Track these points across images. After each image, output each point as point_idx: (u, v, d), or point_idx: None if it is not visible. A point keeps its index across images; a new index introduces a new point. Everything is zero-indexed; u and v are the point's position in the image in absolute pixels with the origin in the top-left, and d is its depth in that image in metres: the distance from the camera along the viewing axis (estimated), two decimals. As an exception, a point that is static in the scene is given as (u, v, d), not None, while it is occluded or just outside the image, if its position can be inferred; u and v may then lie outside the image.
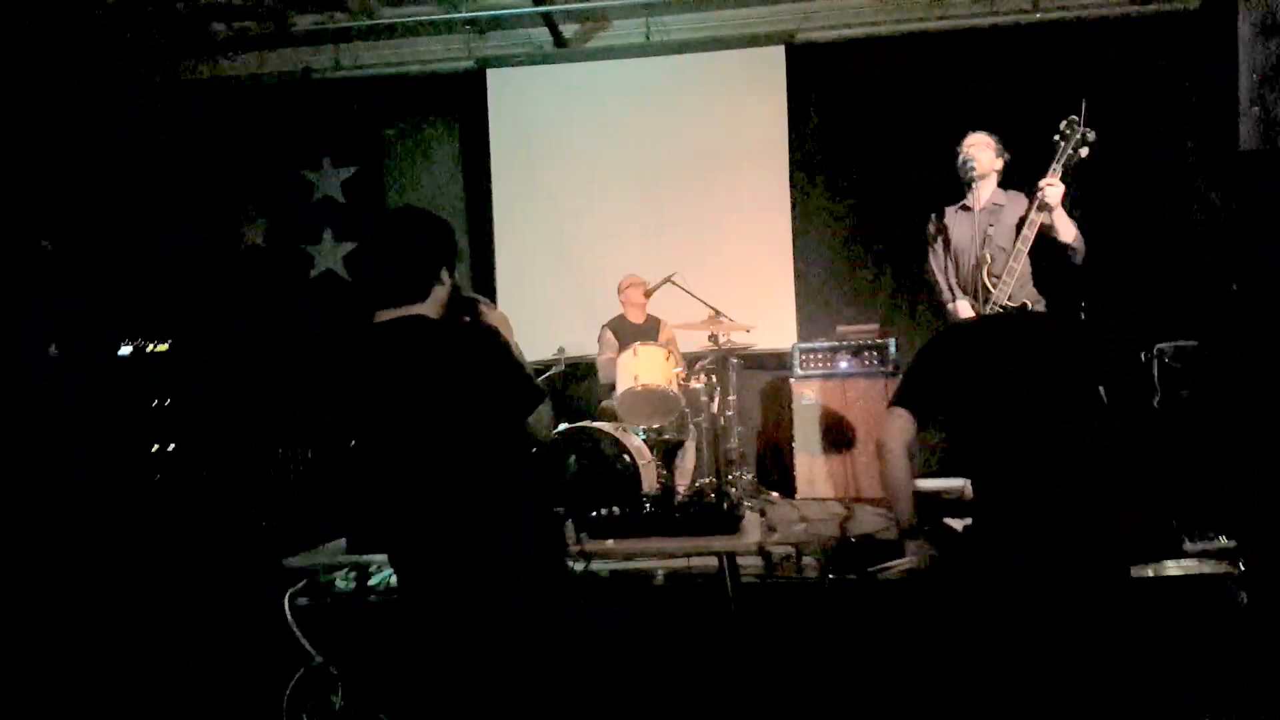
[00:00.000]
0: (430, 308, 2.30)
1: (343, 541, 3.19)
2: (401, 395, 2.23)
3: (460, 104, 6.72)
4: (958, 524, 3.47)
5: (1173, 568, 2.99)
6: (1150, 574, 2.96)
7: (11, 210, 6.11)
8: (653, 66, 6.47)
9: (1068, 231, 3.68)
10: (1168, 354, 3.57)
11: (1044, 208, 3.66)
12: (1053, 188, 3.64)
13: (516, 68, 6.60)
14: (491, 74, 6.62)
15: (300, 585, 3.38)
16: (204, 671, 3.29)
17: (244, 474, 5.10)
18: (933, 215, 4.23)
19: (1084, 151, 3.65)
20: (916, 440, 2.53)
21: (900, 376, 2.69)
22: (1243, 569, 2.97)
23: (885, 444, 2.53)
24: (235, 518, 4.58)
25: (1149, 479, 3.12)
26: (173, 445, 5.09)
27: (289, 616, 3.19)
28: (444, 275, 2.34)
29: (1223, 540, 3.11)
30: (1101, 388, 2.49)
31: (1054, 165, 3.66)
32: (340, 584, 3.55)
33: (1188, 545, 3.06)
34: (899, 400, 2.57)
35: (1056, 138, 3.67)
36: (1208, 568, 3.02)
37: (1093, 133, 3.59)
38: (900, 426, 2.52)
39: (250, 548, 3.96)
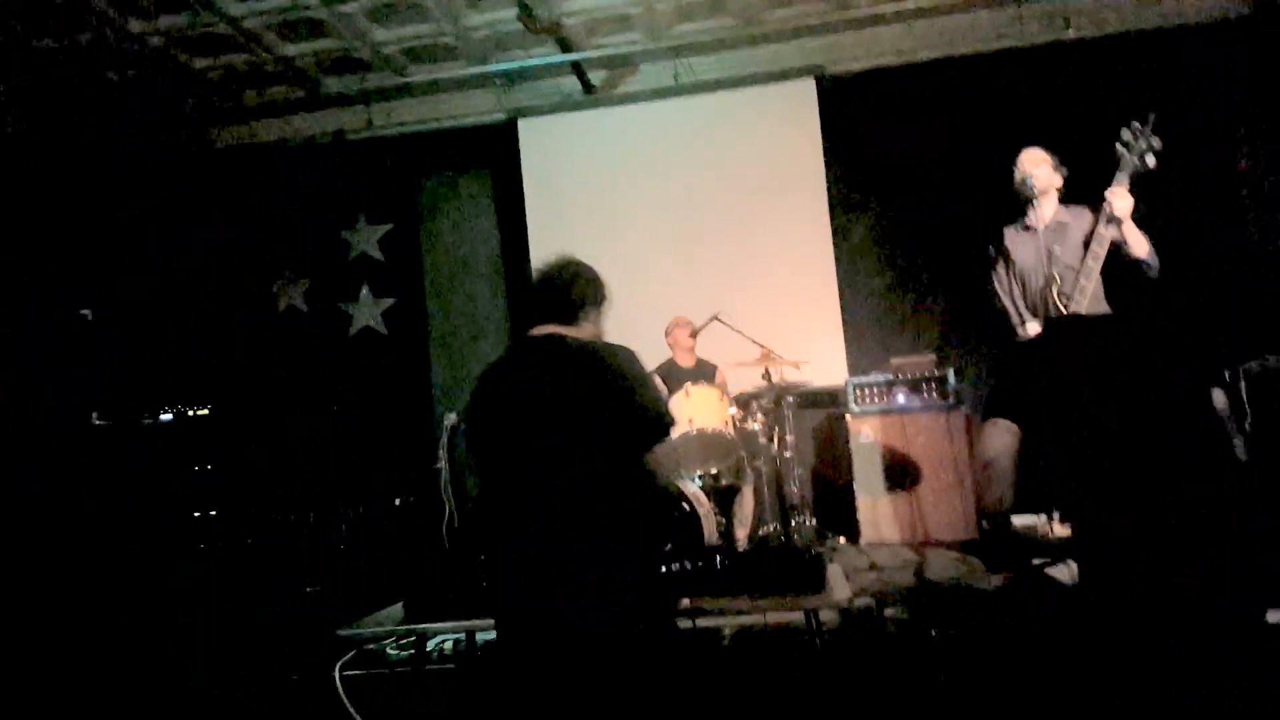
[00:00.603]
0: (577, 333, 2.52)
1: (399, 608, 3.02)
2: (538, 399, 2.32)
3: (493, 156, 6.70)
4: (1051, 568, 3.24)
5: None
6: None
7: (56, 279, 6.14)
8: (683, 106, 6.40)
9: (1140, 246, 3.49)
10: (1254, 372, 3.34)
11: (1112, 221, 3.49)
12: (1119, 199, 3.47)
13: (547, 116, 6.56)
14: (523, 124, 6.58)
15: (351, 654, 3.22)
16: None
17: (289, 539, 4.96)
18: (995, 239, 4.05)
19: (1150, 160, 3.48)
20: (1018, 455, 2.34)
21: (990, 387, 2.51)
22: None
23: (992, 459, 2.34)
24: (283, 586, 4.44)
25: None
26: (214, 511, 4.97)
27: (339, 688, 3.03)
28: (592, 312, 2.62)
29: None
30: (1215, 393, 2.29)
31: (1118, 175, 3.49)
32: (393, 652, 3.38)
33: None
34: (994, 410, 2.38)
35: (1119, 147, 3.50)
36: None
37: (1159, 140, 3.43)
38: (1002, 437, 2.34)
39: (300, 617, 3.80)
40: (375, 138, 6.73)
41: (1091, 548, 2.27)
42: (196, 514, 4.98)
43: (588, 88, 6.47)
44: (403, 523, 5.41)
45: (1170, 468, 2.21)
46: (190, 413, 5.34)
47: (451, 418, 5.65)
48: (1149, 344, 2.39)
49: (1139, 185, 3.52)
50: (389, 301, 6.69)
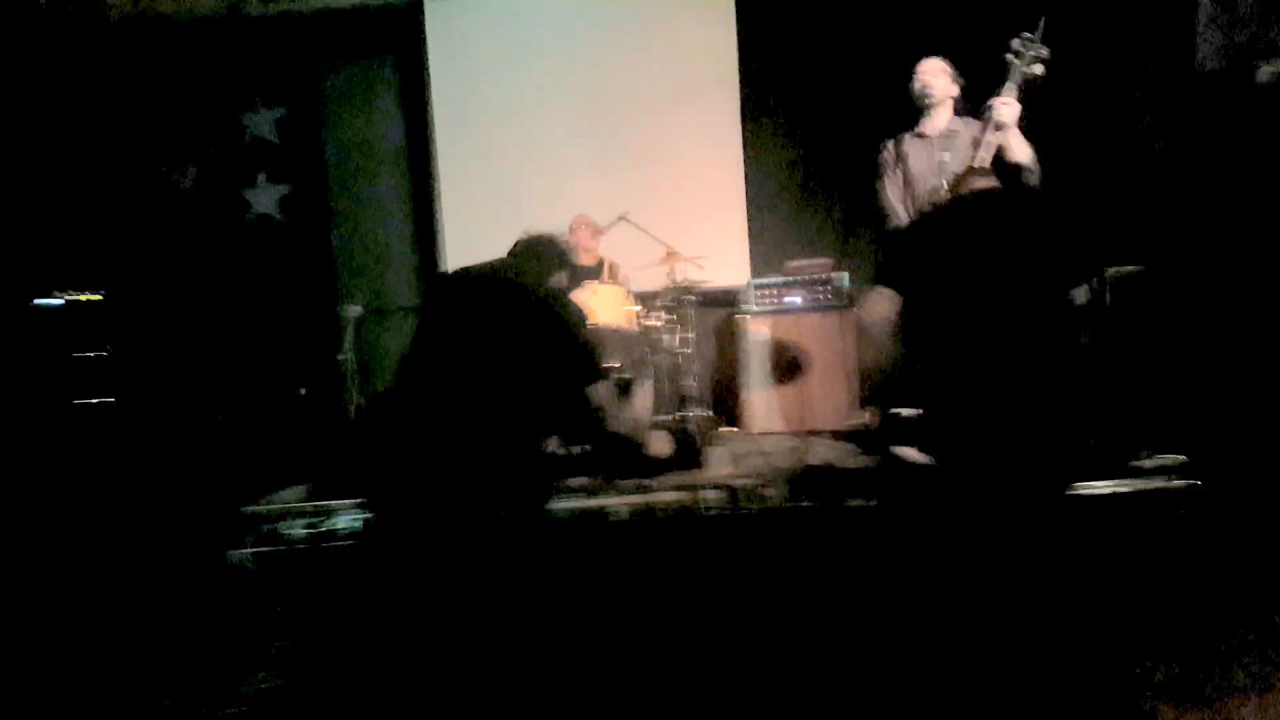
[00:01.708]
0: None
1: (301, 489, 3.11)
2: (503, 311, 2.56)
3: (398, 39, 6.48)
4: (904, 451, 3.52)
5: (1124, 484, 3.07)
6: (1102, 490, 3.04)
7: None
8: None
9: (1023, 151, 3.67)
10: (1117, 276, 3.62)
11: (999, 127, 3.64)
12: (1007, 106, 3.62)
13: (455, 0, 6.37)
14: (429, 7, 6.38)
15: (255, 533, 3.31)
16: (158, 626, 3.20)
17: (191, 429, 4.95)
18: (889, 142, 4.19)
19: (1038, 69, 3.62)
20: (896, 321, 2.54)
21: (880, 259, 2.71)
22: (1194, 484, 3.06)
23: (870, 322, 2.55)
24: (183, 469, 4.45)
25: (1102, 396, 3.18)
26: (111, 398, 4.91)
27: (244, 564, 3.13)
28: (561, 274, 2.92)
29: (1173, 457, 3.21)
30: (1080, 289, 2.51)
31: (1007, 84, 3.64)
32: (295, 531, 3.47)
33: (1139, 462, 3.15)
34: (881, 279, 2.58)
35: (1009, 55, 3.64)
36: (1158, 483, 3.10)
37: (1047, 49, 3.57)
38: (881, 304, 2.54)
39: (202, 497, 3.85)
40: (274, 15, 6.41)
41: (937, 426, 2.51)
42: (93, 401, 4.93)
43: (498, -29, 6.28)
44: (307, 411, 5.44)
45: (1017, 352, 2.43)
46: (83, 298, 5.22)
47: (355, 309, 5.63)
48: (1024, 234, 2.57)
49: (1039, 92, 3.68)
50: (286, 188, 6.52)
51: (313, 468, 3.30)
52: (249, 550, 3.16)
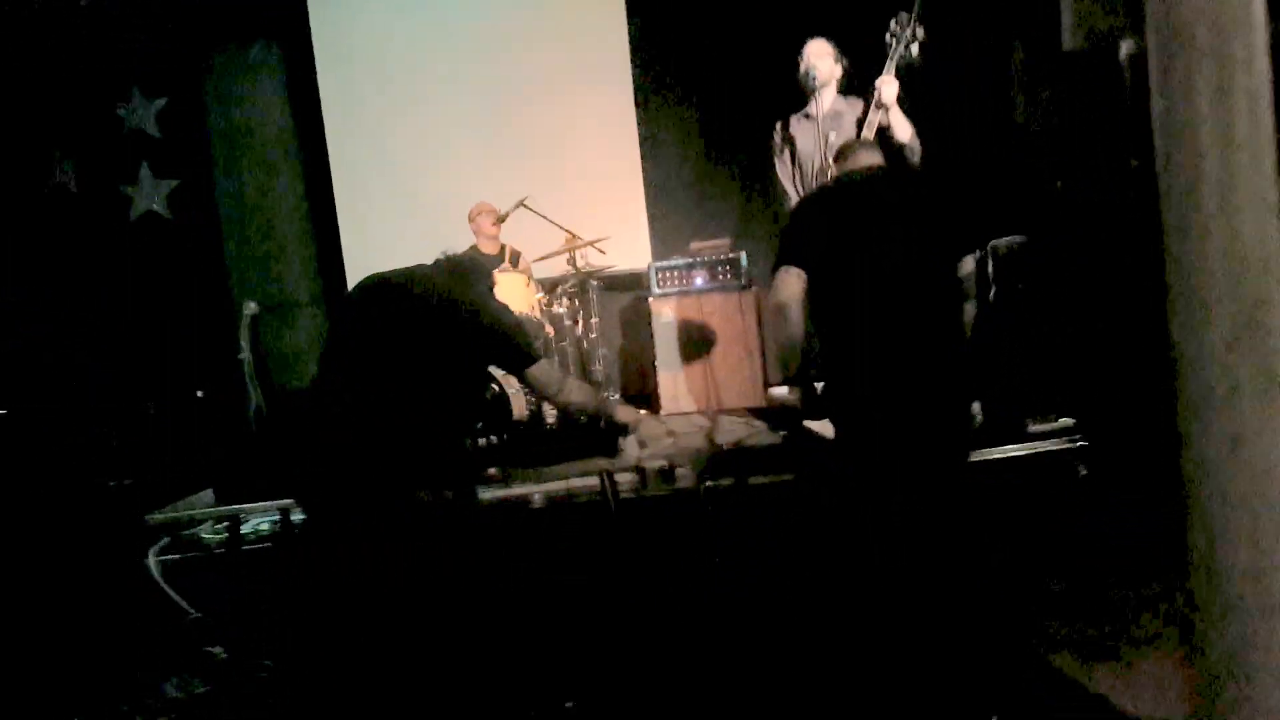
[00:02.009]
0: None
1: (209, 493, 3.04)
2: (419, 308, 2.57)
3: (282, 25, 6.29)
4: (816, 425, 3.66)
5: (1017, 448, 3.27)
6: (997, 456, 3.23)
7: None
8: (488, -21, 6.24)
9: (904, 130, 3.84)
10: (1000, 249, 3.83)
11: (880, 106, 3.80)
12: (888, 85, 3.78)
13: (340, -17, 6.22)
14: (312, -10, 6.21)
15: (163, 542, 3.23)
16: (71, 638, 3.10)
17: (84, 435, 4.75)
18: (777, 124, 4.32)
19: (915, 50, 3.78)
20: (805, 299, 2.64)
21: (780, 239, 2.80)
22: (1081, 445, 3.28)
23: (784, 302, 2.63)
24: (85, 482, 4.28)
25: (992, 366, 3.36)
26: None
27: (155, 573, 3.05)
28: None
29: (1063, 420, 3.43)
30: (965, 260, 2.65)
31: (888, 64, 3.79)
32: (207, 536, 3.40)
33: (1031, 427, 3.36)
34: (785, 260, 2.66)
35: (889, 36, 3.79)
36: (1050, 446, 3.32)
37: (922, 30, 3.73)
38: (792, 283, 2.63)
39: (102, 508, 3.72)
40: (147, -1, 6.14)
41: (842, 400, 2.63)
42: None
43: (383, -47, 6.16)
44: (206, 414, 5.28)
45: (914, 323, 2.56)
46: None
47: (252, 306, 5.47)
48: (909, 207, 2.70)
49: (918, 71, 3.83)
50: (173, 183, 6.26)
51: (217, 471, 3.22)
52: (162, 557, 3.08)
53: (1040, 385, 3.48)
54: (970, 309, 2.70)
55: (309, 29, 6.20)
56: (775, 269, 2.70)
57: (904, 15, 3.79)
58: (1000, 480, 3.16)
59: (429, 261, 2.85)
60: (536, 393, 2.92)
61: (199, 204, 6.30)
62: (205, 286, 6.19)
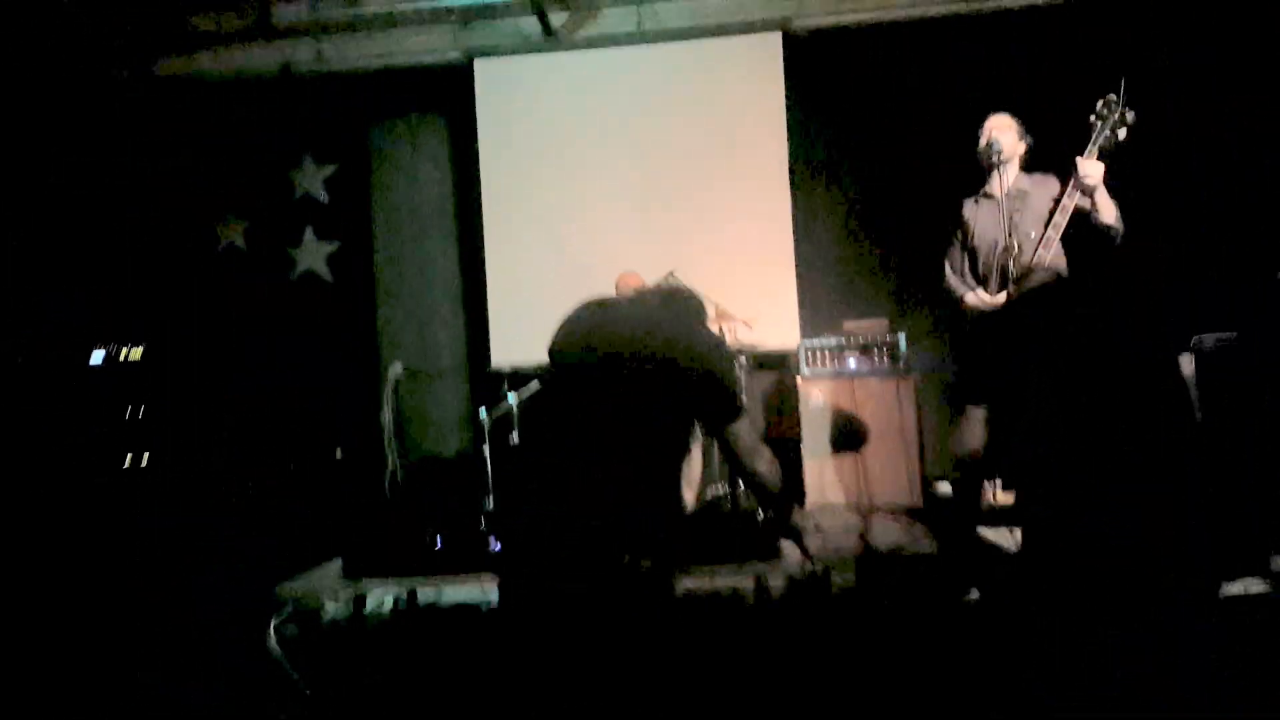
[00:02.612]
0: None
1: (337, 564, 2.92)
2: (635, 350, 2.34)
3: (447, 98, 6.47)
4: (992, 533, 3.26)
5: (1258, 584, 2.76)
6: (1238, 591, 2.73)
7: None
8: (646, 55, 6.24)
9: (1109, 212, 3.50)
10: (1208, 345, 3.37)
11: (1083, 190, 3.49)
12: (1092, 167, 3.47)
13: (504, 58, 6.35)
14: (479, 65, 6.36)
15: (286, 611, 3.13)
16: (188, 705, 3.02)
17: (225, 489, 4.81)
18: (952, 214, 4.06)
19: (1122, 133, 3.48)
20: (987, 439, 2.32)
21: (954, 377, 2.50)
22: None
23: (976, 451, 2.31)
24: (218, 538, 4.30)
25: (1221, 484, 2.89)
26: (146, 456, 4.79)
27: (274, 647, 2.94)
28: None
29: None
30: (1184, 359, 2.29)
31: (1090, 147, 3.49)
32: (330, 610, 3.29)
33: (1276, 562, 2.85)
34: (970, 398, 2.35)
35: (1093, 118, 3.49)
36: None
37: (1132, 113, 3.42)
38: (979, 430, 2.31)
39: (237, 572, 3.68)
40: (324, 73, 6.44)
41: (1038, 512, 2.27)
42: (129, 460, 4.81)
43: (548, 30, 6.26)
44: (343, 475, 5.29)
45: (1133, 433, 2.20)
46: (123, 355, 5.14)
47: (397, 368, 5.51)
48: (1116, 307, 2.37)
49: (1112, 156, 3.51)
50: (333, 245, 6.48)
51: (347, 539, 3.11)
52: (282, 631, 2.98)
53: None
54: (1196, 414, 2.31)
55: (473, 102, 6.34)
56: (959, 403, 2.39)
57: (1112, 97, 3.50)
58: (1235, 622, 2.65)
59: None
60: (731, 454, 2.49)
61: (357, 267, 6.48)
62: (356, 347, 6.31)
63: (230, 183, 6.50)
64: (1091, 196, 3.47)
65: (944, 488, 4.88)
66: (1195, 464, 2.19)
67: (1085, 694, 2.09)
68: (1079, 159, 3.48)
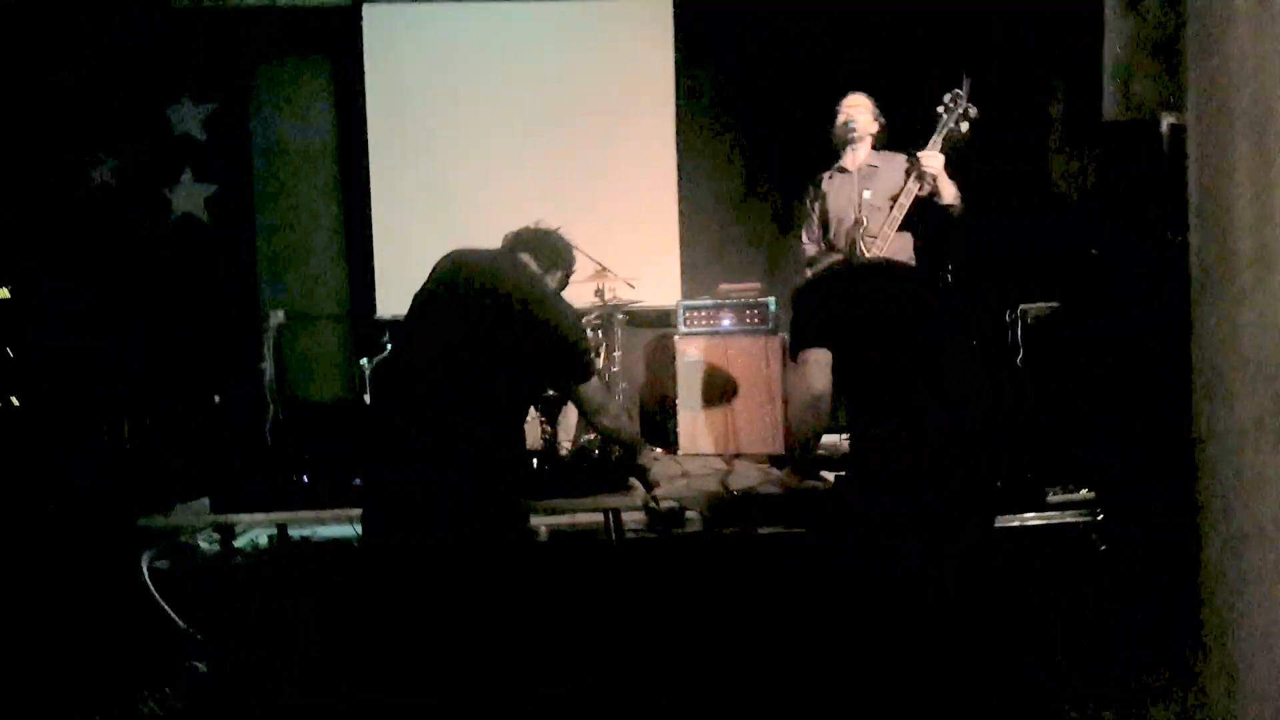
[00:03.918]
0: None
1: (205, 501, 3.00)
2: (485, 302, 2.51)
3: (333, 41, 6.37)
4: (832, 475, 3.57)
5: (1035, 518, 3.16)
6: (1015, 524, 3.12)
7: None
8: (537, 10, 6.29)
9: (949, 193, 3.79)
10: (1030, 315, 3.74)
11: (922, 178, 3.75)
12: (932, 159, 3.74)
13: (394, 4, 6.31)
14: (368, 10, 6.29)
15: (158, 547, 3.20)
16: (57, 643, 3.06)
17: (92, 428, 4.76)
18: (809, 185, 4.31)
19: (964, 127, 3.75)
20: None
21: (793, 328, 2.75)
22: (1100, 518, 3.16)
23: (820, 394, 2.56)
24: (85, 477, 4.27)
25: (1012, 432, 3.26)
26: (14, 399, 4.69)
27: (147, 580, 3.01)
28: (559, 273, 2.90)
29: (1082, 492, 3.31)
30: (976, 341, 2.59)
31: (934, 138, 3.75)
32: (203, 545, 3.37)
33: (1050, 496, 3.25)
34: (809, 342, 2.60)
35: (940, 109, 3.75)
36: (1068, 517, 3.20)
37: (975, 109, 3.69)
38: (822, 373, 2.56)
39: (103, 509, 3.70)
40: (206, 8, 6.25)
41: (857, 458, 2.55)
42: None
43: (440, -22, 6.24)
44: (221, 420, 5.28)
45: (955, 383, 2.49)
46: (-14, 293, 4.99)
47: (278, 315, 5.49)
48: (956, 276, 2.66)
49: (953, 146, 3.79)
50: (212, 188, 6.33)
51: (220, 479, 3.18)
52: (151, 563, 3.05)
53: (1062, 454, 3.37)
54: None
55: (360, 46, 6.28)
56: (796, 348, 2.65)
57: (957, 91, 3.76)
58: (1016, 549, 3.04)
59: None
60: (582, 412, 2.79)
61: (238, 211, 6.36)
62: (236, 293, 6.23)
63: (104, 117, 6.26)
64: (934, 184, 3.74)
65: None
66: (1005, 411, 2.52)
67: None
68: (921, 153, 3.74)
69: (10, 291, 4.98)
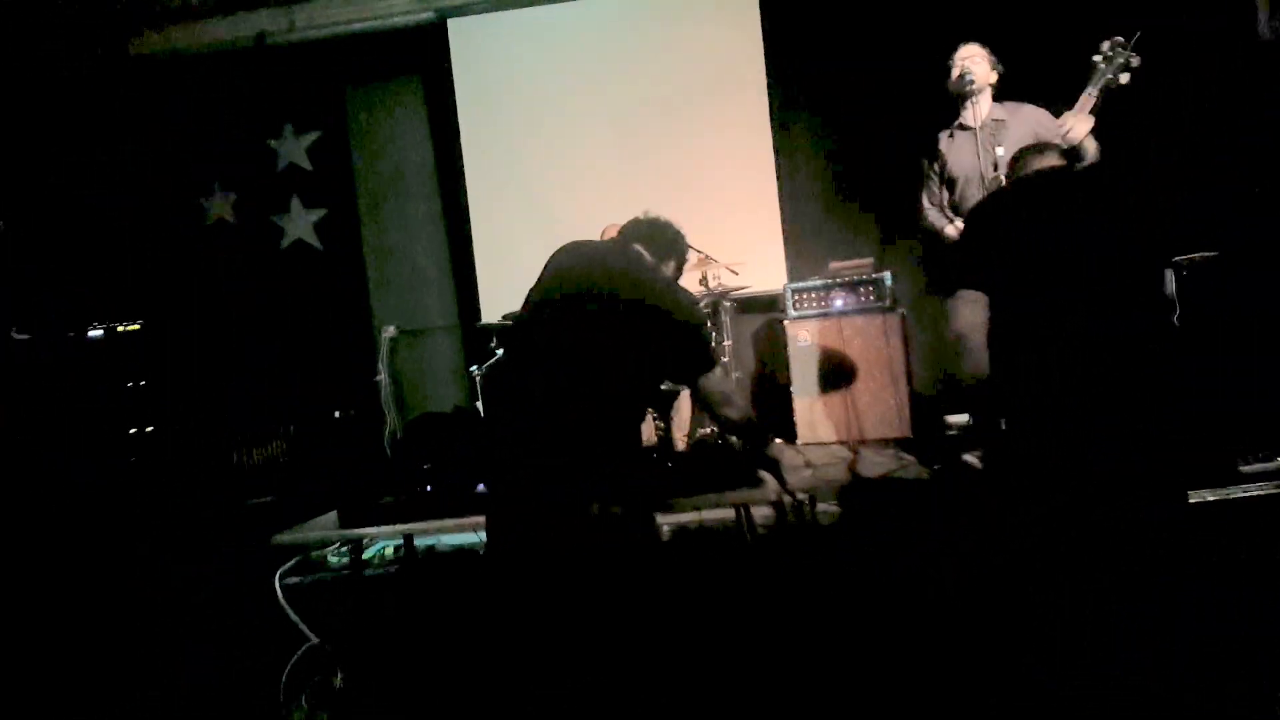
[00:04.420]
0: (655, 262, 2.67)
1: (334, 515, 3.01)
2: (611, 294, 2.44)
3: (422, 59, 6.47)
4: (975, 458, 3.33)
5: (1232, 492, 2.81)
6: (1209, 499, 2.79)
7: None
8: (621, 6, 6.21)
9: (1091, 152, 3.51)
10: (1185, 267, 3.41)
11: (1057, 149, 3.46)
12: (1078, 130, 3.45)
13: (477, 16, 6.32)
14: (452, 24, 6.34)
15: (290, 563, 3.23)
16: (197, 659, 3.12)
17: (229, 454, 4.90)
18: (928, 146, 4.06)
19: (1124, 78, 3.41)
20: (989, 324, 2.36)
21: (953, 258, 2.53)
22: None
23: (963, 332, 2.36)
24: (220, 498, 4.40)
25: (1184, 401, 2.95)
26: (150, 428, 4.88)
27: (280, 597, 3.04)
28: (672, 264, 2.74)
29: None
30: (1167, 274, 2.32)
31: (1089, 89, 3.44)
32: (333, 560, 3.39)
33: (1243, 467, 2.90)
34: (961, 282, 2.40)
35: (1097, 58, 3.44)
36: (1269, 489, 2.85)
37: (1138, 58, 3.37)
38: (971, 310, 2.36)
39: (238, 527, 3.78)
40: (298, 42, 6.42)
41: (1014, 423, 2.32)
42: (133, 430, 4.90)
43: (519, -17, 6.23)
44: (342, 435, 5.38)
45: (1116, 345, 2.23)
46: (120, 329, 5.21)
47: (390, 330, 5.57)
48: (1108, 217, 2.39)
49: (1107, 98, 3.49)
50: (320, 213, 6.50)
51: (345, 493, 3.19)
52: (288, 580, 3.07)
53: (1254, 420, 2.99)
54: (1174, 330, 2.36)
55: (449, 62, 6.33)
56: (949, 293, 2.43)
57: (1119, 39, 3.43)
58: (1207, 530, 2.71)
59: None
60: (704, 403, 2.66)
61: (345, 232, 6.51)
62: (348, 311, 6.37)
63: (215, 156, 6.51)
64: (1076, 146, 3.45)
65: (957, 418, 4.94)
66: (1170, 380, 2.24)
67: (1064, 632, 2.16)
68: (1064, 123, 3.45)
69: (141, 325, 5.16)
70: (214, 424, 5.08)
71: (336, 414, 5.38)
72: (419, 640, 2.98)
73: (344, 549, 3.35)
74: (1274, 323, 3.12)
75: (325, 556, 3.41)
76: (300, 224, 6.52)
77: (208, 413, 5.16)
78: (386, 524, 2.91)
